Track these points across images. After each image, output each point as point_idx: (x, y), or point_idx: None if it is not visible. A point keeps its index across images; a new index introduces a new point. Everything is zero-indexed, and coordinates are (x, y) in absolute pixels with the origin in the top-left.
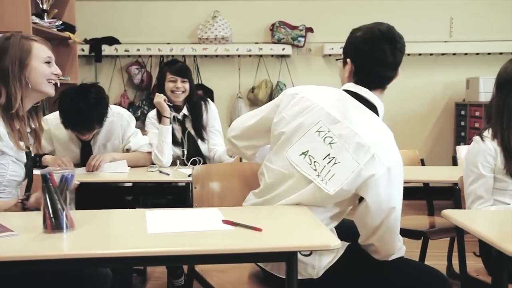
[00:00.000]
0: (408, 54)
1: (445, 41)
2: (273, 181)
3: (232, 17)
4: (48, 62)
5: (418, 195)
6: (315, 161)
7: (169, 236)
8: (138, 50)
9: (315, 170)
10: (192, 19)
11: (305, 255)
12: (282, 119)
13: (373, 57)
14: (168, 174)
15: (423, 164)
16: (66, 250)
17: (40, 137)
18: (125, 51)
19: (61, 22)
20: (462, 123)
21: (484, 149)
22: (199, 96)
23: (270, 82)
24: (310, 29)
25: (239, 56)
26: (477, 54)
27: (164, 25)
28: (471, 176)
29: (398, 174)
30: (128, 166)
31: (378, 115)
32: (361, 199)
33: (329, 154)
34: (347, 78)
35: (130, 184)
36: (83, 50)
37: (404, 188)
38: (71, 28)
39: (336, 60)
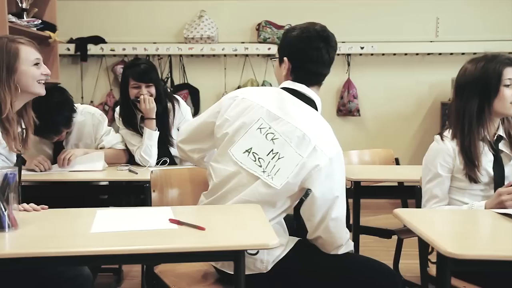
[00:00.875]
0: (394, 54)
1: (431, 41)
2: (220, 180)
3: (218, 16)
4: (37, 64)
5: (392, 194)
6: (259, 158)
7: (110, 236)
8: (124, 49)
9: (260, 166)
10: (178, 19)
11: (251, 254)
12: (225, 121)
13: (310, 55)
14: (137, 173)
15: (397, 163)
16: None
17: (29, 136)
18: (111, 50)
19: (40, 21)
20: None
21: (443, 149)
22: (169, 96)
23: (256, 81)
24: None
25: (225, 55)
26: (463, 54)
27: (150, 24)
28: (428, 175)
29: (340, 164)
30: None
31: (317, 110)
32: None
33: (272, 150)
34: (285, 76)
35: (106, 183)
36: (68, 49)
37: (379, 187)
38: (52, 27)
39: (271, 59)
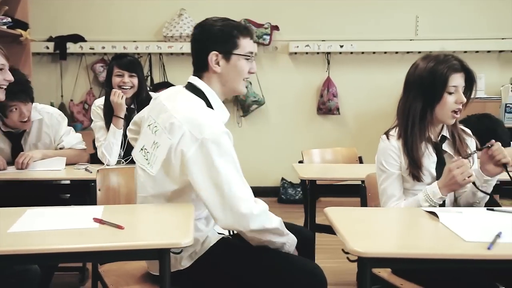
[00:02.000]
0: (374, 52)
1: (411, 39)
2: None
3: (198, 15)
4: (1, 70)
5: (354, 192)
6: (147, 152)
7: (23, 235)
8: (103, 48)
9: (147, 159)
10: (158, 17)
11: (175, 253)
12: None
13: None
14: (91, 172)
15: (361, 162)
16: None
17: None
18: (90, 49)
19: (10, 19)
20: None
21: (388, 147)
22: (149, 92)
23: None
24: (276, 27)
25: None
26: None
27: (130, 23)
28: (381, 176)
29: (215, 147)
30: None
31: (206, 98)
32: None
33: (154, 141)
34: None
35: (68, 182)
36: (47, 47)
37: (341, 185)
38: (23, 25)
39: None
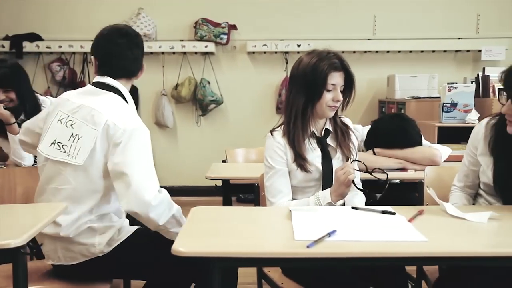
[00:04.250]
0: None
1: (369, 39)
2: (40, 178)
3: (156, 14)
4: None
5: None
6: (63, 145)
7: None
8: (60, 47)
9: (65, 152)
10: (117, 16)
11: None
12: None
13: (111, 51)
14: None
15: None
16: None
17: None
18: (47, 48)
19: None
20: None
21: (274, 144)
22: (35, 97)
23: (194, 79)
24: (233, 27)
25: (162, 53)
26: (399, 52)
27: (88, 21)
28: (268, 172)
29: (133, 138)
30: None
31: (126, 99)
32: None
33: (72, 134)
34: (95, 73)
35: None
36: (3, 46)
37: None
38: None
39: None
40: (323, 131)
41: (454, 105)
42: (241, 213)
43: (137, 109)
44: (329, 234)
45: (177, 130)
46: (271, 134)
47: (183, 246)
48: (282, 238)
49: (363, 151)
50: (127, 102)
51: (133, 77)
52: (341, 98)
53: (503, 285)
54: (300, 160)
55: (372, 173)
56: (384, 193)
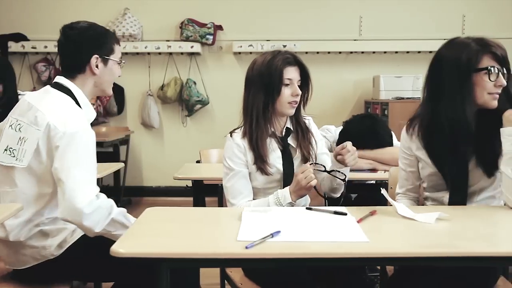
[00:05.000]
0: (317, 52)
1: (355, 40)
2: None
3: (143, 14)
4: None
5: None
6: (13, 150)
7: None
8: (46, 47)
9: (14, 156)
10: (102, 16)
11: None
12: None
13: (59, 50)
14: None
15: None
16: None
17: None
18: (32, 48)
19: None
20: None
21: (233, 145)
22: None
23: (180, 79)
24: (219, 27)
25: (148, 53)
26: (385, 52)
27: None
28: (228, 174)
29: (73, 141)
30: None
31: (74, 97)
32: None
33: (19, 137)
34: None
35: None
36: None
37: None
38: None
39: None
40: (283, 131)
41: None
42: (195, 214)
43: (123, 109)
44: (272, 235)
45: (163, 131)
46: (231, 136)
47: (123, 247)
48: (226, 239)
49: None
50: (79, 103)
51: (85, 73)
52: (299, 91)
53: (452, 284)
54: (261, 163)
55: (331, 173)
56: (346, 194)
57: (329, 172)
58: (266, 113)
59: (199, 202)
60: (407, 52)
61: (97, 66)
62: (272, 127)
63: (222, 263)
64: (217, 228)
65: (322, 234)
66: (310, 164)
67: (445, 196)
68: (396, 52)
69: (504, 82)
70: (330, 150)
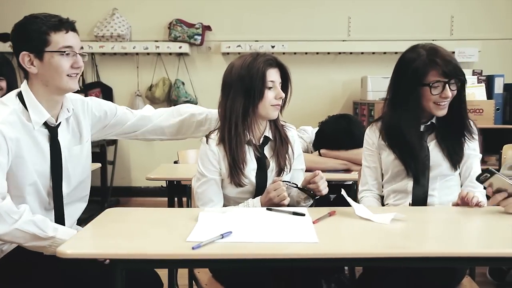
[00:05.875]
0: (306, 53)
1: (343, 40)
2: None
3: (131, 15)
4: None
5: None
6: None
7: None
8: None
9: None
10: (91, 16)
11: None
12: None
13: None
14: None
15: None
16: None
17: None
18: None
19: None
20: None
21: (208, 152)
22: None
23: (169, 80)
24: (208, 28)
25: (137, 54)
26: (373, 53)
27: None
28: (200, 179)
29: None
30: None
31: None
32: None
33: None
34: None
35: None
36: None
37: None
38: None
39: None
40: (261, 139)
41: None
42: (154, 214)
43: None
44: (222, 236)
45: None
46: (207, 141)
47: (71, 248)
48: (176, 240)
49: (311, 152)
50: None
51: (28, 74)
52: (283, 94)
53: (417, 283)
54: (236, 175)
55: (302, 190)
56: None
57: (300, 189)
58: (246, 117)
59: (173, 203)
60: (396, 52)
61: (32, 64)
62: (250, 134)
63: (170, 264)
64: (172, 229)
65: (273, 235)
66: (283, 182)
67: (409, 183)
68: (385, 52)
69: (448, 94)
70: (306, 151)
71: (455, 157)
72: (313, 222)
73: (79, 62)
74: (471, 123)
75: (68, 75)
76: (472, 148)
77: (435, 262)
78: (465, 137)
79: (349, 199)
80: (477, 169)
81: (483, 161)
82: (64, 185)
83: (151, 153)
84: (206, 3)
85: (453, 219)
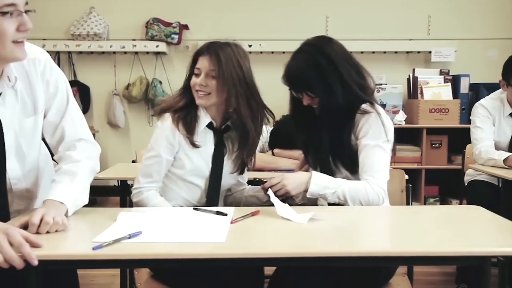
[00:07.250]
0: (283, 52)
1: None
2: None
3: (108, 13)
4: None
5: None
6: None
7: None
8: None
9: None
10: (68, 15)
11: None
12: None
13: None
14: None
15: None
16: None
17: None
18: None
19: None
20: None
21: (167, 133)
22: None
23: (146, 79)
24: (185, 26)
25: (114, 52)
26: (351, 52)
27: (38, 20)
28: (149, 152)
29: None
30: None
31: None
32: None
33: None
34: None
35: None
36: None
37: None
38: None
39: None
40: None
41: (383, 106)
42: (81, 214)
43: (88, 108)
44: (130, 236)
45: (129, 130)
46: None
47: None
48: (83, 240)
49: (267, 151)
50: None
51: None
52: (201, 82)
53: (337, 282)
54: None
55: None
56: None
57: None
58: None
59: (125, 202)
60: (373, 52)
61: None
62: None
63: (70, 265)
64: (89, 229)
65: (182, 236)
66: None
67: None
68: (362, 52)
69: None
70: (262, 151)
71: None
72: (231, 222)
73: (27, 24)
74: None
75: (13, 41)
76: None
77: (336, 261)
78: None
79: (273, 199)
80: None
81: (449, 161)
82: (16, 166)
83: (128, 153)
84: (183, 2)
85: (369, 218)
